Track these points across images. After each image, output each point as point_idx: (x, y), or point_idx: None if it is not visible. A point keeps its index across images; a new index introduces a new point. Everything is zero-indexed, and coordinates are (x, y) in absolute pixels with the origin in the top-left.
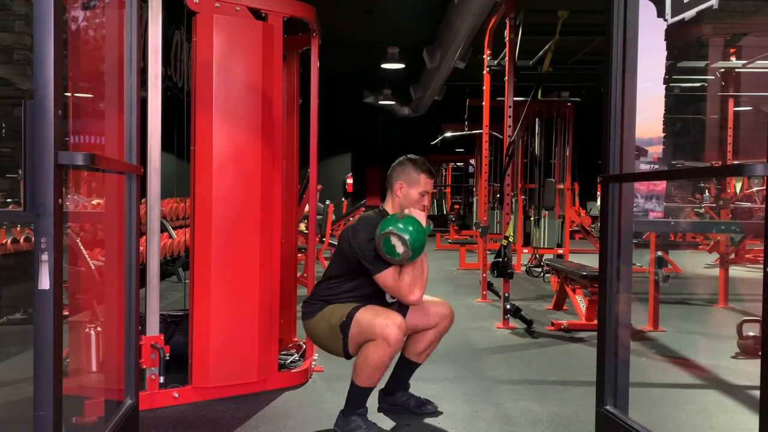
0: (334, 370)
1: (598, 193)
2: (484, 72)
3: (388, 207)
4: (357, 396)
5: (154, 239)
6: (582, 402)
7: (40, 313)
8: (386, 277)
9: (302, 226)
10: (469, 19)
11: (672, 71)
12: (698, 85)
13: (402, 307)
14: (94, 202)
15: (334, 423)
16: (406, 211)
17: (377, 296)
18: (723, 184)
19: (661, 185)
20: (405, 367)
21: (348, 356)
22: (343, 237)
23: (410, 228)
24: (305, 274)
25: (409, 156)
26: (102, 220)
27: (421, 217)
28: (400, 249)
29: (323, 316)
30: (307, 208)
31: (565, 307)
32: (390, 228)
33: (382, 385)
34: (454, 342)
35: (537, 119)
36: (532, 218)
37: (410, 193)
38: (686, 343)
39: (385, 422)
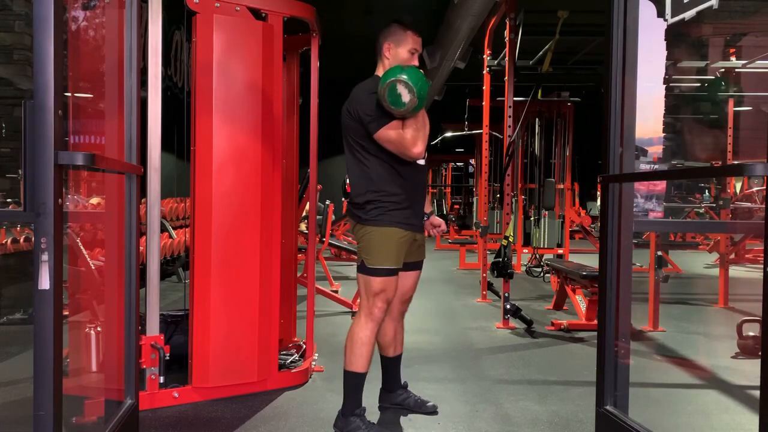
0: (334, 370)
1: (598, 193)
2: (484, 72)
3: (380, 72)
4: (351, 386)
5: (154, 239)
6: (582, 402)
7: (40, 313)
8: (389, 131)
9: (302, 226)
10: (469, 19)
11: (672, 71)
12: (698, 85)
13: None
14: (93, 201)
15: (334, 423)
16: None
17: (410, 169)
18: (723, 184)
19: (661, 185)
20: (389, 364)
21: (357, 271)
22: (343, 114)
23: (415, 76)
24: (305, 274)
25: (395, 18)
26: (102, 220)
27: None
28: (406, 97)
29: (374, 235)
30: (307, 207)
31: (565, 307)
32: (396, 76)
33: (379, 385)
34: (454, 342)
35: (537, 119)
36: (532, 218)
37: (399, 52)
38: (686, 343)
39: (385, 421)
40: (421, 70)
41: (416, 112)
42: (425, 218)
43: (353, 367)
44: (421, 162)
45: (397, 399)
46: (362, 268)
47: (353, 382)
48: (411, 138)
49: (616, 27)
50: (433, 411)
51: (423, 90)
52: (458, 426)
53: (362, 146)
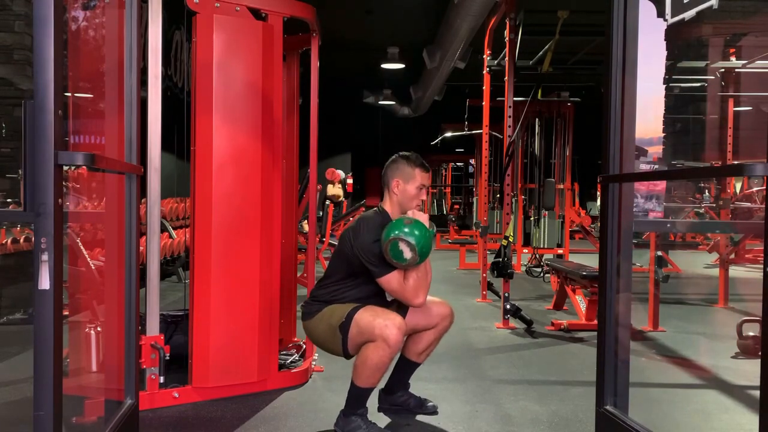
0: (334, 370)
1: (598, 193)
2: (484, 72)
3: (387, 206)
4: (357, 396)
5: (154, 239)
6: (582, 402)
7: (40, 313)
8: (391, 281)
9: (303, 226)
10: (469, 19)
11: (672, 71)
12: (698, 85)
13: (401, 307)
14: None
15: (335, 423)
16: (410, 214)
17: (377, 296)
18: (723, 184)
19: (661, 185)
20: (405, 367)
21: (348, 356)
22: (343, 239)
23: (417, 233)
24: (305, 274)
25: (401, 153)
26: (102, 220)
27: (424, 219)
28: (407, 255)
29: (323, 317)
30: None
31: (565, 307)
32: (397, 233)
33: (382, 384)
34: (454, 342)
35: (537, 119)
36: (532, 218)
37: (407, 189)
38: (686, 343)
39: (385, 422)
40: (425, 222)
41: (418, 266)
42: None
43: (364, 384)
44: (390, 298)
45: (398, 400)
46: (342, 335)
47: (362, 395)
48: (412, 289)
49: (616, 27)
50: (433, 411)
51: (425, 248)
52: (458, 426)
53: (349, 272)
